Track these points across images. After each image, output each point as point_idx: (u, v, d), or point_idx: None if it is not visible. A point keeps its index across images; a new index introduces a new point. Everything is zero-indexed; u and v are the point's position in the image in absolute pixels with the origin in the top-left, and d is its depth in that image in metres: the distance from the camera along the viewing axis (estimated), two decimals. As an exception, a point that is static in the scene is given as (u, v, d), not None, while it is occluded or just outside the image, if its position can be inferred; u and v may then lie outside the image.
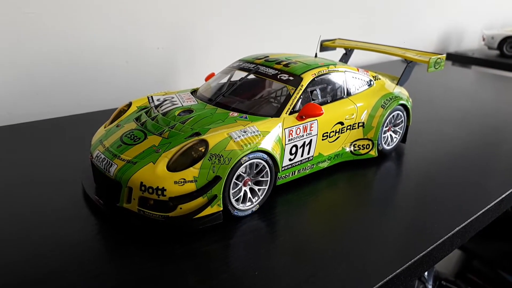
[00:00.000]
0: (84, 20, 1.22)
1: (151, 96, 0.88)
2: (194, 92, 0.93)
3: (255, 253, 0.66)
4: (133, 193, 0.68)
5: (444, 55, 1.07)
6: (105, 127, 0.84)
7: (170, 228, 0.68)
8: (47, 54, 1.19)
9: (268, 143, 0.74)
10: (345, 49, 1.24)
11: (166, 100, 0.86)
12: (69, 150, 0.98)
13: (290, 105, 0.81)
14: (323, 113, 0.81)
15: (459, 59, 2.38)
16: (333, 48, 1.26)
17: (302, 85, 0.83)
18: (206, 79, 0.99)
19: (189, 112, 0.80)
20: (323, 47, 1.26)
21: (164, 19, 1.37)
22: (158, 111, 0.82)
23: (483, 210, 0.81)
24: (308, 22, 1.75)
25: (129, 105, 0.87)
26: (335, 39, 1.29)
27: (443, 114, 1.38)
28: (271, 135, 0.75)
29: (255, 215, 0.76)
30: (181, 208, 0.67)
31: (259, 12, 1.60)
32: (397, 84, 1.07)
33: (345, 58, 1.25)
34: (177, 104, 0.83)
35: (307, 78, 0.85)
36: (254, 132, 0.73)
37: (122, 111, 0.86)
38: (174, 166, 0.68)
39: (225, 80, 0.92)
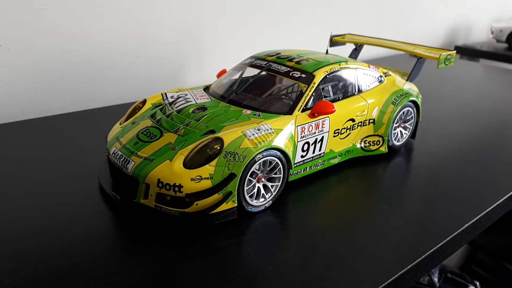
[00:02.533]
0: (96, 16, 1.23)
1: (165, 93, 0.89)
2: (206, 88, 0.94)
3: (269, 249, 0.68)
4: (151, 189, 0.70)
5: (455, 52, 1.07)
6: (120, 124, 0.85)
7: (187, 224, 0.70)
8: (59, 50, 1.20)
9: (281, 141, 0.75)
10: (355, 44, 1.24)
11: (180, 97, 0.87)
12: (84, 145, 1.00)
13: (303, 103, 0.82)
14: (335, 110, 0.82)
15: (467, 52, 2.37)
16: (343, 43, 1.26)
17: (314, 82, 0.84)
18: (218, 76, 1.00)
19: (203, 109, 0.81)
20: (333, 42, 1.26)
21: (174, 14, 1.38)
22: (172, 108, 0.83)
23: (492, 207, 0.82)
24: (317, 17, 1.75)
25: (144, 102, 0.88)
26: (344, 34, 1.29)
27: (452, 110, 1.39)
28: (284, 132, 0.77)
29: (268, 211, 0.77)
30: (197, 204, 0.69)
31: (269, 8, 1.60)
32: (407, 80, 1.08)
33: (355, 54, 1.26)
34: (191, 101, 0.85)
35: (319, 76, 0.86)
36: (267, 130, 0.74)
37: (137, 108, 0.87)
38: (190, 164, 0.69)
39: (236, 77, 0.93)
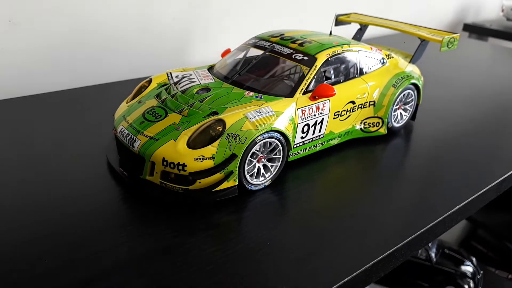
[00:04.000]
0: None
1: (170, 73, 0.92)
2: (211, 68, 0.96)
3: (267, 225, 0.72)
4: (156, 167, 0.74)
5: (458, 35, 1.07)
6: (127, 102, 0.88)
7: (190, 200, 0.74)
8: (66, 26, 1.22)
9: (281, 123, 0.78)
10: (360, 24, 1.24)
11: (184, 77, 0.90)
12: (91, 121, 1.04)
13: (304, 85, 0.84)
14: (335, 93, 0.84)
15: (476, 30, 2.35)
16: (348, 23, 1.26)
17: (316, 65, 0.86)
18: (222, 55, 1.02)
19: (207, 90, 0.84)
20: (338, 21, 1.26)
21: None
22: (177, 88, 0.86)
23: (483, 190, 0.85)
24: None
25: (150, 81, 0.91)
26: (350, 14, 1.30)
27: (455, 92, 1.40)
28: (285, 115, 0.79)
29: (268, 189, 0.81)
30: (199, 182, 0.73)
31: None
32: (409, 62, 1.09)
33: (359, 34, 1.26)
34: (195, 81, 0.87)
35: (321, 58, 0.87)
36: (268, 112, 0.77)
37: (143, 87, 0.90)
38: (193, 144, 0.73)
39: (240, 57, 0.95)
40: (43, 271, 0.60)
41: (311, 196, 0.81)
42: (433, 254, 1.60)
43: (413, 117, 1.09)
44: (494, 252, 1.88)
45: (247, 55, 0.95)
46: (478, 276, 1.59)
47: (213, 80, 0.88)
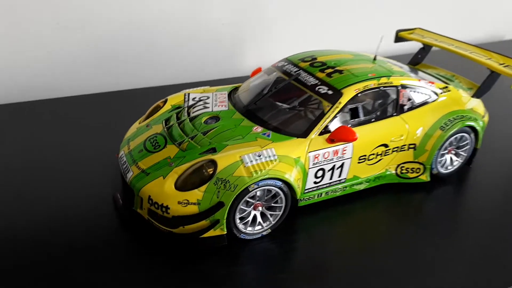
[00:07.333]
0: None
1: (188, 94, 0.87)
2: (235, 89, 0.89)
3: (266, 280, 0.64)
4: (143, 203, 0.69)
5: (539, 69, 0.87)
6: (139, 123, 0.85)
7: (175, 244, 0.69)
8: (114, 30, 1.22)
9: (284, 169, 0.69)
10: (423, 44, 1.08)
11: (201, 100, 0.84)
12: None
13: (321, 125, 0.74)
14: (356, 138, 0.72)
15: None
16: (409, 41, 1.10)
17: (340, 102, 0.75)
18: (252, 75, 0.94)
19: (216, 119, 0.77)
20: (399, 37, 1.11)
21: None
22: (189, 112, 0.80)
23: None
24: (383, 10, 1.55)
25: (165, 101, 0.87)
26: (414, 29, 1.13)
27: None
28: (291, 159, 0.70)
29: (269, 238, 0.73)
30: (184, 227, 0.67)
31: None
32: (473, 96, 0.91)
33: (422, 53, 1.09)
34: (208, 108, 0.81)
35: (348, 94, 0.76)
36: (269, 156, 0.68)
37: (158, 108, 0.86)
38: (182, 185, 0.67)
39: (265, 81, 0.86)
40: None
41: (325, 250, 0.71)
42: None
43: (468, 162, 0.91)
44: None
45: (273, 80, 0.85)
46: None
47: (227, 108, 0.80)
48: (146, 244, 0.70)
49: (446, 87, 0.89)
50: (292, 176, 0.69)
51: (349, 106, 0.76)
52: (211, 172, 0.66)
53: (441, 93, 0.87)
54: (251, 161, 0.67)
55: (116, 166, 0.80)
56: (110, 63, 1.26)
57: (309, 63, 0.84)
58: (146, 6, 1.23)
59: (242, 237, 0.70)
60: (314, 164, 0.73)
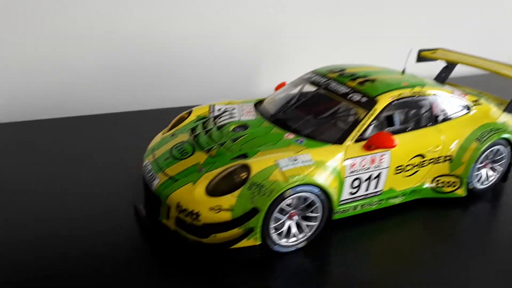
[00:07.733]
0: (173, 15, 1.23)
1: (213, 105, 0.84)
2: (260, 102, 0.87)
3: None
4: (171, 211, 0.65)
5: None
6: (163, 134, 0.82)
7: (204, 255, 0.64)
8: (136, 50, 1.22)
9: (321, 176, 0.65)
10: (447, 62, 1.07)
11: (226, 111, 0.81)
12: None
13: (357, 132, 0.70)
14: (396, 145, 0.69)
15: None
16: (433, 60, 1.09)
17: (376, 109, 0.72)
18: (276, 89, 0.92)
19: (244, 128, 0.74)
20: (421, 57, 1.10)
21: (254, 16, 1.33)
22: (215, 122, 0.77)
23: None
24: (405, 27, 1.56)
25: (190, 112, 0.84)
26: (436, 49, 1.12)
27: None
28: (327, 166, 0.66)
29: (302, 252, 0.68)
30: (215, 236, 0.62)
31: (356, 16, 1.47)
32: (504, 111, 0.89)
33: (445, 72, 1.08)
34: (235, 117, 0.78)
35: (383, 102, 0.73)
36: (306, 161, 0.64)
37: (182, 119, 0.83)
38: (213, 190, 0.63)
39: (292, 92, 0.84)
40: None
41: (361, 267, 0.66)
42: None
43: (503, 178, 0.87)
44: None
45: (301, 90, 0.83)
46: None
47: (255, 117, 0.78)
48: (171, 257, 0.65)
49: (477, 100, 0.87)
50: (330, 183, 0.65)
51: (384, 114, 0.73)
52: (243, 177, 0.62)
53: (473, 106, 0.85)
54: (287, 165, 0.63)
55: (133, 183, 0.78)
56: (129, 84, 1.25)
57: (338, 73, 0.82)
58: (171, 26, 1.23)
59: (276, 249, 0.65)
60: (351, 172, 0.69)
